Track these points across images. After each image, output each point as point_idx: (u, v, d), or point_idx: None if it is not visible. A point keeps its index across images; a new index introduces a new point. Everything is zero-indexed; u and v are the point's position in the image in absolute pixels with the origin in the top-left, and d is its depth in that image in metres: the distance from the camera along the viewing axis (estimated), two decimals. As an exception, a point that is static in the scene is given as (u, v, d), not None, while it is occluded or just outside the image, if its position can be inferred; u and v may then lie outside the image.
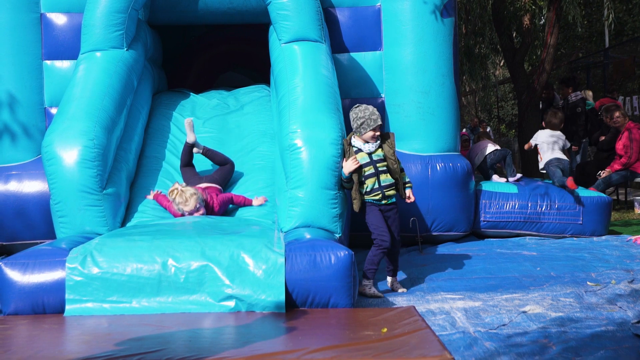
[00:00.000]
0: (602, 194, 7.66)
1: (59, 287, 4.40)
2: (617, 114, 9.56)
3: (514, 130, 24.76)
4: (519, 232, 7.45)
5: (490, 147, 8.34)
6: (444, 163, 7.18)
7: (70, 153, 5.38)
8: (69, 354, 3.40)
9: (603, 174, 9.24)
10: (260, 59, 8.59)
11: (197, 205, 5.61)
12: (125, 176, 5.87)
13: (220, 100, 7.27)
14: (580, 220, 7.38)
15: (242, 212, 5.87)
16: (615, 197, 10.80)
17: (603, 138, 10.25)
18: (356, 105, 5.20)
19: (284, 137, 5.43)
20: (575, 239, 7.29)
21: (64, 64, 7.01)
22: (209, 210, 5.72)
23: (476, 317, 4.26)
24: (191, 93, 7.39)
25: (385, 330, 3.79)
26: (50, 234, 5.70)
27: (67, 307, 4.34)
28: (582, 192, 7.56)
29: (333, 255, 4.46)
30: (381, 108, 7.40)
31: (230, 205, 5.88)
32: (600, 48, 16.59)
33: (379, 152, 5.13)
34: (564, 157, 8.00)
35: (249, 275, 4.41)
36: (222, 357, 3.30)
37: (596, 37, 19.30)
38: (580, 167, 10.46)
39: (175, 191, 5.63)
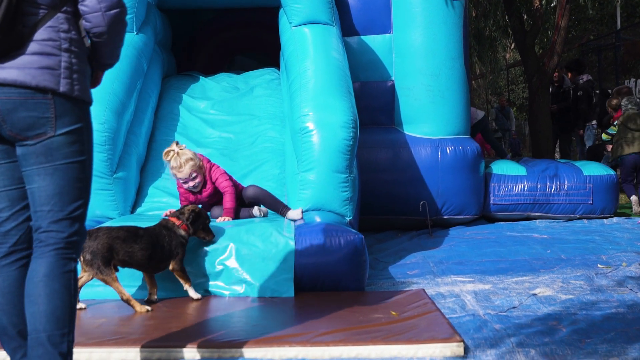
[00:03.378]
0: (610, 171, 7.62)
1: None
2: (613, 101, 9.69)
3: (524, 114, 24.67)
4: (529, 214, 7.44)
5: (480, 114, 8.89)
6: (454, 146, 7.17)
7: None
8: (82, 337, 3.42)
9: (610, 147, 9.36)
10: (270, 43, 8.57)
11: (193, 174, 5.06)
12: (135, 160, 5.88)
13: (229, 83, 7.26)
14: (590, 200, 7.37)
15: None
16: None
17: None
18: None
19: (295, 120, 5.42)
20: (585, 221, 7.27)
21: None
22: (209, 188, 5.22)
23: (486, 299, 4.26)
24: (201, 76, 7.39)
25: (395, 313, 3.80)
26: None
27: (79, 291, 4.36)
28: (590, 170, 7.53)
29: (343, 239, 4.46)
30: (391, 91, 7.39)
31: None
32: (612, 30, 16.45)
33: None
34: None
35: (259, 259, 4.42)
36: (232, 340, 3.32)
37: (608, 19, 19.15)
38: (592, 150, 10.44)
39: (172, 152, 5.03)
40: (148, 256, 4.09)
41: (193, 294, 4.24)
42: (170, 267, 4.21)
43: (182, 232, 4.29)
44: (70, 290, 2.53)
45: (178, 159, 5.00)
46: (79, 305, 4.01)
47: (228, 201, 5.12)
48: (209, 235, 4.46)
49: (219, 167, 5.29)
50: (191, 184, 5.09)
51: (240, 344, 3.27)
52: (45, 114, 2.47)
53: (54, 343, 2.46)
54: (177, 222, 4.31)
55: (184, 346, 3.27)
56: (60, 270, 2.52)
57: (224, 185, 5.16)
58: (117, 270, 4.10)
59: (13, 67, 2.45)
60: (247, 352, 3.24)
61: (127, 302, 3.96)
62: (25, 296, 2.51)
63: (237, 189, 5.29)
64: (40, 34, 2.49)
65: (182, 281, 4.25)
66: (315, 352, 3.23)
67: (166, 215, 4.60)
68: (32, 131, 2.48)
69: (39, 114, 2.47)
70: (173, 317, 3.83)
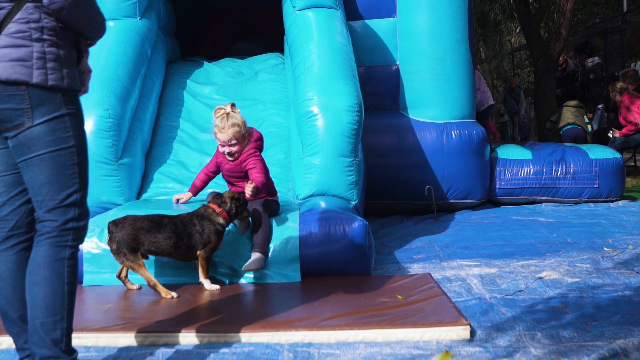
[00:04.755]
0: (617, 154, 7.59)
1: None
2: (618, 85, 9.72)
3: (530, 97, 24.58)
4: (534, 198, 7.42)
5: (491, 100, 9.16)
6: (459, 130, 7.15)
7: (85, 123, 5.37)
8: (89, 323, 3.43)
9: (614, 133, 9.36)
10: (274, 29, 8.54)
11: (233, 140, 4.68)
12: (140, 146, 5.87)
13: (234, 68, 7.24)
14: (596, 183, 7.34)
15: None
16: (632, 164, 10.74)
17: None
18: None
19: (299, 104, 5.41)
20: (592, 205, 7.25)
21: (77, 35, 6.98)
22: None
23: (492, 283, 4.26)
24: (205, 62, 7.36)
25: (401, 297, 3.80)
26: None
27: (85, 277, 4.38)
28: (597, 153, 7.50)
29: (347, 226, 4.45)
30: (396, 75, 7.35)
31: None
32: (618, 13, 16.34)
33: None
34: None
35: (264, 248, 4.42)
36: (238, 325, 3.32)
37: (614, 1, 19.03)
38: (598, 133, 10.42)
39: (222, 111, 4.71)
40: (173, 244, 4.09)
41: (208, 286, 4.16)
42: (198, 252, 4.17)
43: (221, 220, 4.23)
44: (62, 277, 2.55)
45: (225, 121, 4.68)
46: (134, 286, 4.20)
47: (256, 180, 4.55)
48: (247, 212, 4.41)
49: (260, 159, 4.77)
50: (227, 149, 4.73)
51: (246, 328, 3.28)
52: (20, 106, 2.49)
53: (46, 330, 2.51)
54: (218, 210, 4.25)
55: (190, 331, 3.28)
56: (52, 259, 2.55)
57: (254, 177, 4.62)
58: (146, 257, 4.17)
59: None
60: (254, 336, 3.25)
61: (153, 287, 4.01)
62: (25, 285, 2.57)
63: (270, 187, 4.89)
64: (10, 26, 2.49)
65: (200, 270, 4.18)
66: (321, 336, 3.24)
67: (178, 200, 4.88)
68: (10, 123, 2.51)
69: (13, 106, 2.49)
70: (179, 303, 3.84)
